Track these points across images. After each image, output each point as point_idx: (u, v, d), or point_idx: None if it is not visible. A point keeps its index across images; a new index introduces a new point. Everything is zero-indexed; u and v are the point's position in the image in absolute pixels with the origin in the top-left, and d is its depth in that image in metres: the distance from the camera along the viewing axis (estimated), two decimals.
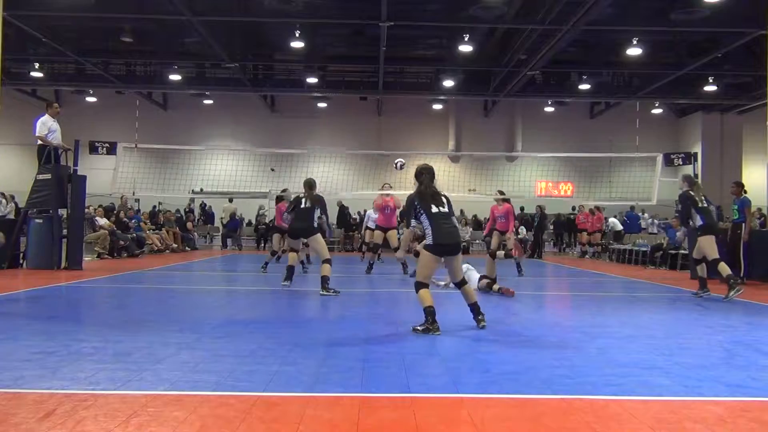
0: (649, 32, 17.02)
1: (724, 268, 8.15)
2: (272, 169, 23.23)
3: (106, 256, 14.19)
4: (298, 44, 17.44)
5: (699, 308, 7.53)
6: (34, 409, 2.97)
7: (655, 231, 20.71)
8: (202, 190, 22.42)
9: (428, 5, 16.24)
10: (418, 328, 5.29)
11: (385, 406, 3.19)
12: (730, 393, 3.54)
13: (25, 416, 2.88)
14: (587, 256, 19.59)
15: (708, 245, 8.30)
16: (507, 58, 18.86)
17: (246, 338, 4.92)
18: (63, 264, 10.79)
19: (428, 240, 5.54)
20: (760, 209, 20.04)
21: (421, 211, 5.57)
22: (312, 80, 21.75)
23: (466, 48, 17.57)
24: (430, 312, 5.29)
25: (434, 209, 5.53)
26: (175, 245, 18.44)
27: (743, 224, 10.68)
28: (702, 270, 8.61)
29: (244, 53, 20.61)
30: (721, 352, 4.82)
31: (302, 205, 8.34)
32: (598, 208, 20.23)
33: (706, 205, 8.51)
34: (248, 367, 3.88)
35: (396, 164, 11.48)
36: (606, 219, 20.76)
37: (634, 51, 17.27)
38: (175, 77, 21.54)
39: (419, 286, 5.48)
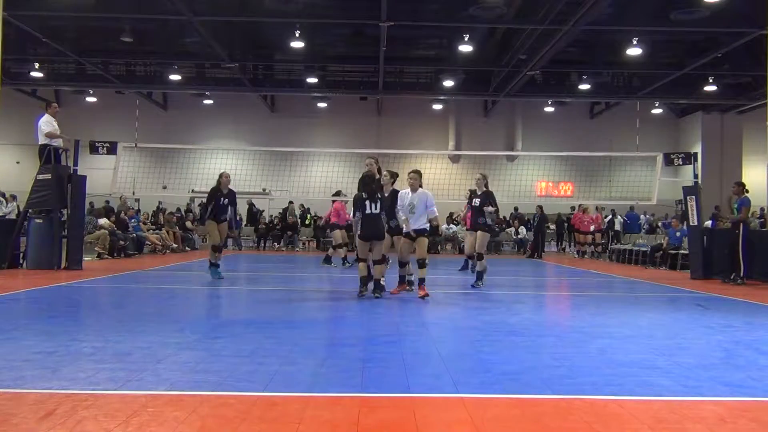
0: (649, 32, 16.98)
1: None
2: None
3: (107, 256, 14.19)
4: (298, 44, 17.41)
5: (699, 308, 7.54)
6: (34, 409, 2.97)
7: (658, 230, 20.68)
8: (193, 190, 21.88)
9: (428, 5, 16.20)
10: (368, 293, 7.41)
11: (385, 406, 3.19)
12: (730, 393, 3.54)
13: (25, 416, 2.88)
14: (585, 256, 19.59)
15: (486, 240, 10.03)
16: (507, 58, 18.83)
17: (246, 338, 4.92)
18: (63, 264, 10.78)
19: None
20: (762, 209, 20.06)
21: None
22: (312, 80, 21.70)
23: (466, 48, 17.53)
24: (362, 280, 7.69)
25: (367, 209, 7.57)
26: (175, 245, 18.43)
27: (740, 223, 10.71)
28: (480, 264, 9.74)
29: (244, 53, 20.58)
30: (721, 352, 4.82)
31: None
32: (597, 208, 20.24)
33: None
34: (248, 367, 3.88)
35: None
36: (611, 215, 20.82)
37: (634, 51, 17.24)
38: (175, 77, 21.51)
39: (358, 260, 7.89)
